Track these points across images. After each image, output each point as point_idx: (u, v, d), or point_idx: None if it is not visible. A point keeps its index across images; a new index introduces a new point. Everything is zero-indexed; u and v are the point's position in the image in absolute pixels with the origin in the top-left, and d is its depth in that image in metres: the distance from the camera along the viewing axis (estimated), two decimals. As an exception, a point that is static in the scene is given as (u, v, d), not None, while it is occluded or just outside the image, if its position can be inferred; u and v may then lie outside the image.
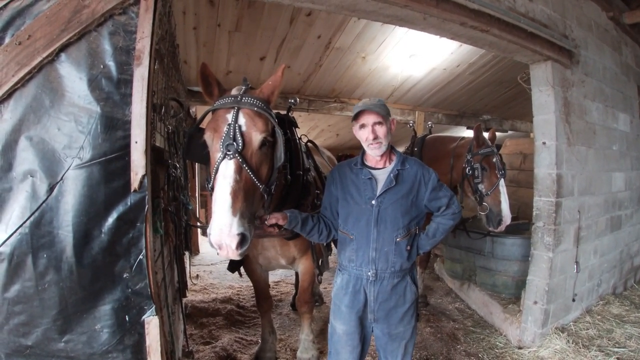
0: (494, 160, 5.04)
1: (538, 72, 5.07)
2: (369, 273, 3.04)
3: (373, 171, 3.12)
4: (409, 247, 3.10)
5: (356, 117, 3.04)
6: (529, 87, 5.27)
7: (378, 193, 3.02)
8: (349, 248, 3.14)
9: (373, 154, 3.08)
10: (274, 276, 8.01)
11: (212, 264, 9.01)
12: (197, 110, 8.31)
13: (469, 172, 5.16)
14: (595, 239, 5.88)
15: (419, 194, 3.10)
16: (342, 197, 3.18)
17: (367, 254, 3.04)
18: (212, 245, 2.40)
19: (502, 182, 5.00)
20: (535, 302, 5.03)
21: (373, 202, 3.02)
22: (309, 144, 4.87)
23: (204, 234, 2.55)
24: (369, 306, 3.11)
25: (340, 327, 3.21)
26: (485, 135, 5.42)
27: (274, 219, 2.92)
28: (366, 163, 3.19)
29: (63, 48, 2.15)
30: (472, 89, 8.92)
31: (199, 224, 6.03)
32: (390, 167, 3.12)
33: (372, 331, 3.28)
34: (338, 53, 6.53)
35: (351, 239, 3.11)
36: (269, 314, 4.68)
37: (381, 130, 3.00)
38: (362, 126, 3.03)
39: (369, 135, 2.99)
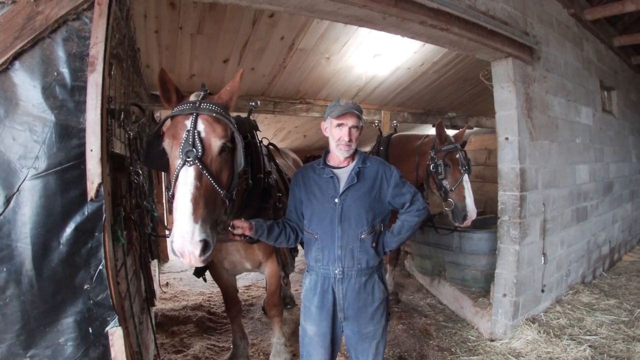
0: (457, 156, 5.11)
1: (499, 69, 5.16)
2: (336, 271, 3.04)
3: (335, 170, 3.14)
4: (374, 244, 3.12)
5: (337, 115, 3.01)
6: (490, 84, 5.35)
7: (340, 191, 3.04)
8: (314, 247, 3.15)
9: (341, 155, 3.09)
10: (244, 280, 7.97)
11: (181, 271, 8.88)
12: (162, 114, 8.20)
13: (432, 169, 5.22)
14: (562, 230, 6.00)
15: (382, 191, 3.12)
16: (306, 197, 3.18)
17: (333, 252, 3.05)
18: (174, 253, 2.38)
19: (465, 177, 5.07)
20: (505, 295, 5.10)
21: (336, 200, 3.03)
22: (270, 146, 4.85)
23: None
24: (338, 305, 3.11)
25: (311, 328, 3.19)
26: (452, 132, 5.49)
27: (240, 229, 2.91)
28: (329, 163, 3.21)
29: (17, 56, 2.10)
30: (436, 87, 9.00)
31: (166, 231, 5.96)
32: (351, 165, 3.14)
33: (343, 331, 3.26)
34: (302, 54, 6.52)
35: (316, 238, 3.12)
36: (239, 319, 4.64)
37: (355, 134, 3.03)
38: (340, 125, 3.01)
39: (343, 136, 2.99)
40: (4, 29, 2.07)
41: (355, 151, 3.20)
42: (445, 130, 5.38)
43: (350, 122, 2.99)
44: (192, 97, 2.73)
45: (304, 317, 3.27)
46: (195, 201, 2.36)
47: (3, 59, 2.06)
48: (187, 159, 2.42)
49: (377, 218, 3.14)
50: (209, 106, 2.61)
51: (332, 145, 3.13)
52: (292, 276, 6.93)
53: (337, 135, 3.03)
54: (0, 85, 2.09)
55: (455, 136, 5.46)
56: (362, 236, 3.05)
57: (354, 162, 3.15)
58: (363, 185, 3.07)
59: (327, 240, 3.07)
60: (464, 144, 5.34)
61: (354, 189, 3.04)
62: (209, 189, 2.49)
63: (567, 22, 6.40)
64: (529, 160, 5.14)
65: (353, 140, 3.02)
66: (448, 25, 4.01)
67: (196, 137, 2.48)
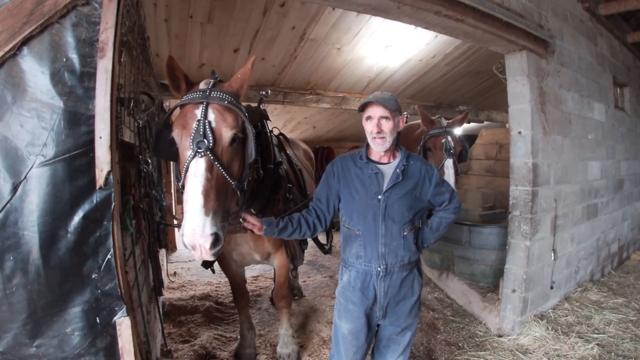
0: (443, 141, 5.10)
1: (513, 62, 5.09)
2: (379, 268, 2.99)
3: (380, 166, 3.07)
4: (415, 241, 3.10)
5: (363, 108, 3.00)
6: (504, 77, 5.29)
7: (385, 188, 2.98)
8: (355, 244, 3.09)
9: (377, 149, 3.02)
10: (252, 271, 7.96)
11: (189, 261, 8.88)
12: (171, 104, 8.17)
13: (421, 154, 5.21)
14: (572, 227, 5.94)
15: (423, 190, 3.08)
16: (347, 191, 3.12)
17: (376, 249, 2.99)
18: (185, 245, 2.36)
19: (448, 162, 5.03)
20: (514, 291, 5.07)
21: (379, 197, 2.97)
22: (280, 136, 4.81)
23: (180, 232, 2.53)
24: (378, 302, 3.07)
25: (346, 326, 3.15)
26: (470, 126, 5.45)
27: (250, 225, 2.90)
28: (371, 157, 3.13)
29: (25, 41, 2.06)
30: (448, 80, 8.93)
31: (175, 220, 5.96)
32: (395, 162, 3.09)
33: (377, 329, 3.27)
34: (313, 44, 6.47)
35: (357, 235, 3.06)
36: (247, 310, 4.64)
37: (387, 125, 2.95)
38: (368, 118, 2.98)
39: (373, 129, 2.94)
40: (12, 14, 2.03)
41: (398, 147, 3.16)
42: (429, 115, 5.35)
43: (377, 112, 2.93)
44: (202, 85, 2.69)
45: (339, 315, 3.23)
46: (207, 193, 2.34)
47: (11, 45, 2.02)
48: (198, 150, 2.40)
49: (416, 215, 3.10)
50: (220, 95, 2.57)
51: (368, 140, 3.07)
52: (299, 268, 6.93)
53: (368, 129, 2.99)
54: (8, 71, 2.05)
55: (451, 121, 5.45)
56: (405, 233, 3.02)
57: (398, 159, 3.09)
58: (407, 184, 3.02)
59: (370, 238, 3.02)
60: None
61: (398, 187, 2.99)
62: (220, 180, 2.46)
63: (581, 17, 6.31)
64: (541, 155, 5.08)
65: (384, 131, 2.94)
66: (463, 16, 3.96)
67: (207, 127, 2.44)
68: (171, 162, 8.90)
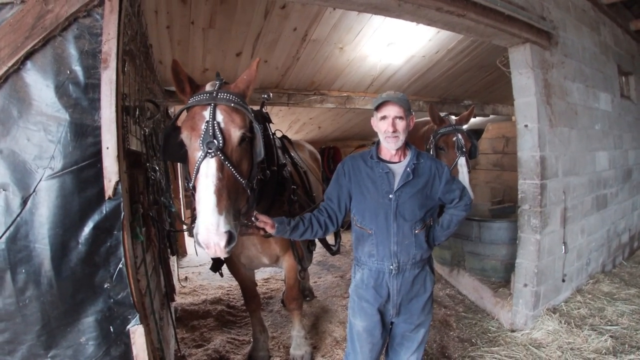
0: (454, 139, 5.06)
1: (517, 55, 5.08)
2: (392, 267, 3.01)
3: (390, 165, 3.09)
4: (426, 238, 3.12)
5: (378, 107, 3.01)
6: (508, 70, 5.27)
7: (396, 187, 3.00)
8: (367, 243, 3.10)
9: (389, 147, 3.05)
10: (263, 273, 7.97)
11: (200, 265, 8.90)
12: (176, 110, 8.18)
13: (432, 153, 5.15)
14: (582, 218, 5.92)
15: (434, 187, 3.10)
16: (358, 191, 3.13)
17: (388, 248, 3.01)
18: (199, 244, 2.40)
19: (461, 160, 5.00)
20: (525, 285, 5.05)
21: (391, 196, 2.99)
22: (283, 139, 4.83)
23: (191, 235, 2.55)
24: (392, 300, 3.08)
25: (360, 323, 3.17)
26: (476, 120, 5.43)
27: (263, 223, 2.91)
28: (381, 157, 3.15)
29: (28, 56, 2.08)
30: (452, 75, 8.87)
31: (184, 226, 6.01)
32: (405, 161, 3.10)
33: (391, 326, 3.27)
34: (315, 45, 6.45)
35: (370, 234, 3.08)
36: (258, 313, 4.65)
37: (401, 125, 2.98)
38: (383, 118, 2.99)
39: (388, 128, 2.96)
40: (14, 29, 2.05)
41: (408, 146, 3.17)
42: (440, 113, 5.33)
43: (392, 112, 2.96)
44: (208, 87, 2.73)
45: (353, 313, 3.25)
46: (219, 192, 2.38)
47: (14, 59, 2.04)
48: (209, 151, 2.43)
49: (427, 213, 3.12)
50: (227, 96, 2.60)
51: (381, 139, 3.10)
52: (310, 269, 6.93)
53: (382, 128, 3.01)
54: (13, 85, 2.07)
55: (459, 118, 5.43)
56: (416, 231, 3.03)
57: (408, 158, 3.11)
58: (418, 182, 3.04)
59: (382, 236, 3.03)
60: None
61: (409, 186, 3.01)
62: (230, 179, 2.50)
63: (583, 6, 6.27)
64: (548, 148, 5.06)
65: (399, 131, 2.98)
66: (465, 11, 3.95)
67: (216, 127, 2.48)
68: (178, 167, 8.95)
